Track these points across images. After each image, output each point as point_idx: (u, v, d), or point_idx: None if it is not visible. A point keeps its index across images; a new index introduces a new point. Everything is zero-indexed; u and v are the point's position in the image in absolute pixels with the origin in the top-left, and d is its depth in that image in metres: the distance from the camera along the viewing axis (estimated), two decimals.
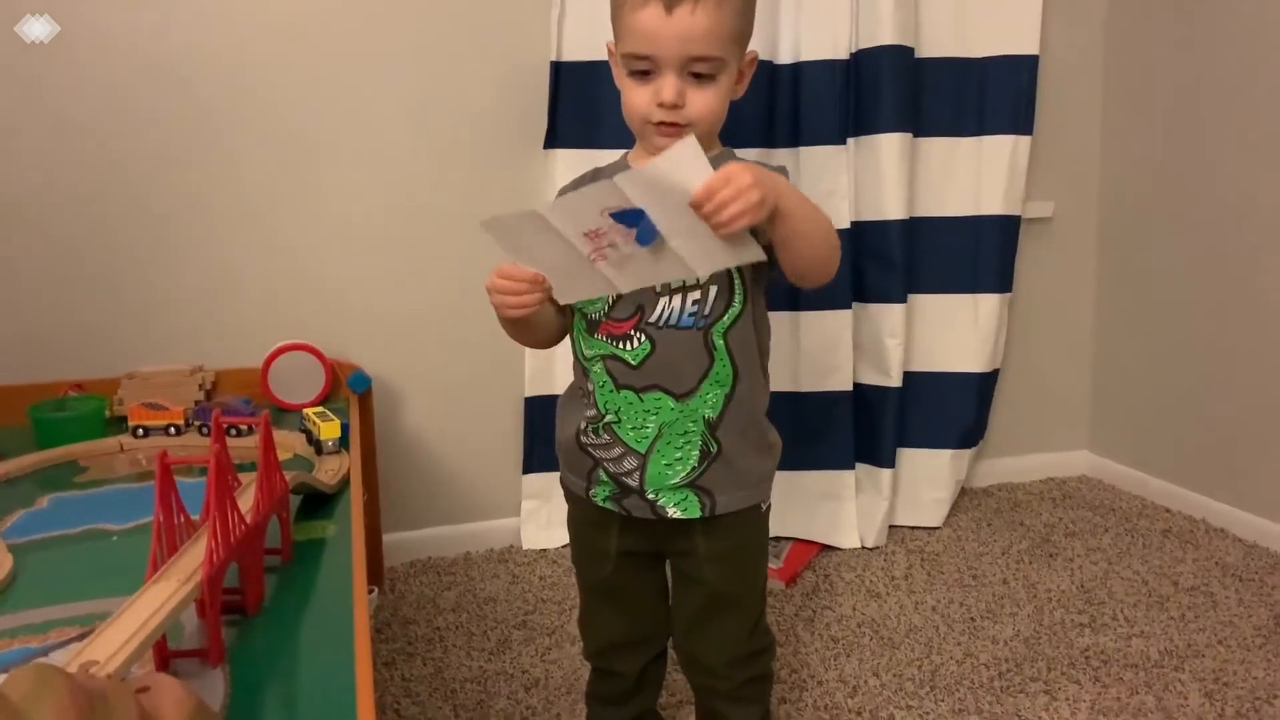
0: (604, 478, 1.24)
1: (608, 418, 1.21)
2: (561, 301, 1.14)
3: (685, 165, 0.95)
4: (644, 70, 1.13)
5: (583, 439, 1.24)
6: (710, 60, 1.12)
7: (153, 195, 2.00)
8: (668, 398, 1.18)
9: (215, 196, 2.04)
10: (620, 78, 1.18)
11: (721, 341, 1.18)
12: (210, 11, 1.98)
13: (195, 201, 2.03)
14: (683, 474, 1.21)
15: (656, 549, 1.30)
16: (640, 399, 1.19)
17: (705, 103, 1.13)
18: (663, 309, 1.17)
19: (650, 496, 1.21)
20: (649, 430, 1.19)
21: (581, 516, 1.33)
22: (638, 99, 1.15)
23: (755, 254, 1.01)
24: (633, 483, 1.21)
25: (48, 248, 1.96)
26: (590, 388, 1.22)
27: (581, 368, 1.25)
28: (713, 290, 1.17)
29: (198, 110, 2.00)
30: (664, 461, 1.20)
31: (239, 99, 2.02)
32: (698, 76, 1.13)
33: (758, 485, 1.27)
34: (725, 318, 1.17)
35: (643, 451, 1.20)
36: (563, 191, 1.31)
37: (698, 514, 1.22)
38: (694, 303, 1.17)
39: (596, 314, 1.20)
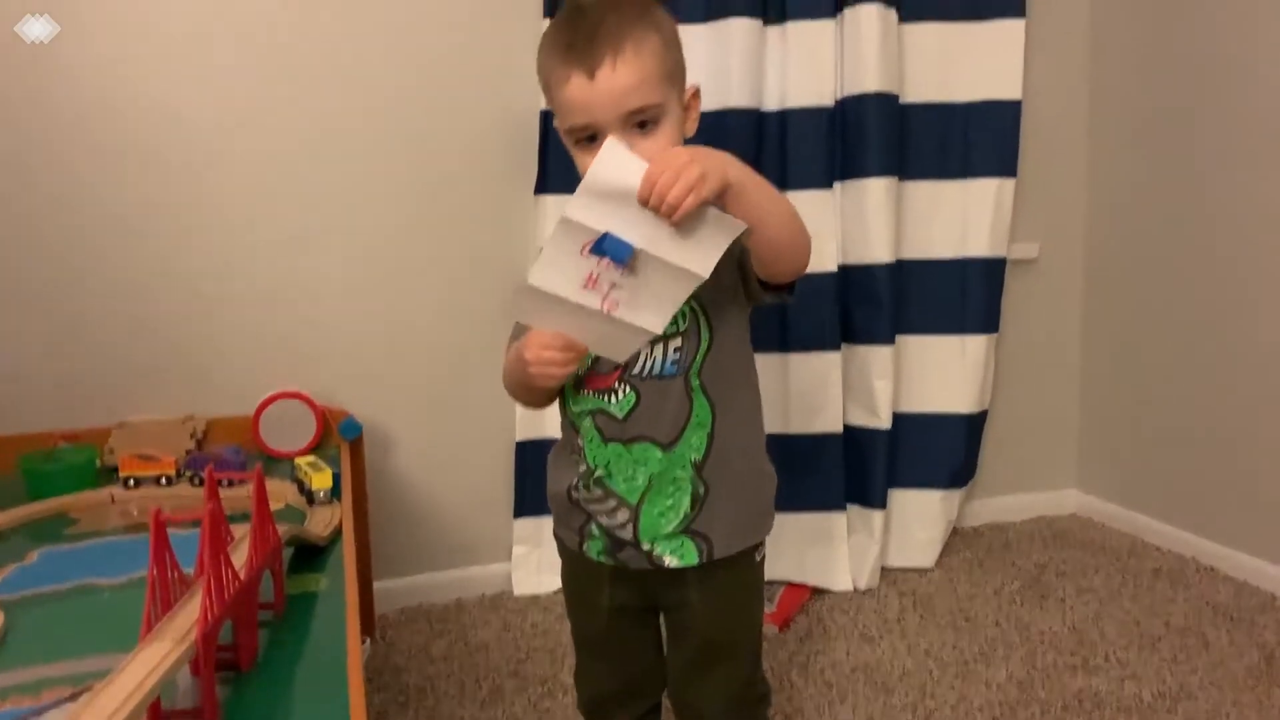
0: (596, 532, 1.23)
1: (598, 472, 1.21)
2: (619, 360, 1.14)
3: (616, 166, 0.96)
4: (590, 137, 1.13)
5: (574, 494, 1.24)
6: (647, 109, 1.11)
7: (143, 242, 2.01)
8: (655, 448, 1.18)
9: (204, 243, 2.05)
10: (571, 150, 1.18)
11: (697, 382, 1.18)
12: (196, 62, 2.01)
13: (184, 248, 2.04)
14: (676, 521, 1.20)
15: (650, 602, 1.29)
16: (628, 450, 1.19)
17: (657, 149, 1.10)
18: (644, 359, 1.17)
19: (646, 547, 1.21)
20: (639, 482, 1.19)
21: (574, 570, 1.33)
22: (587, 162, 1.11)
23: (737, 225, 1.01)
24: (626, 535, 1.21)
25: (37, 296, 1.96)
26: (580, 444, 1.23)
27: (570, 424, 1.25)
28: (690, 334, 1.17)
29: (186, 159, 2.02)
30: (656, 511, 1.20)
31: (228, 147, 2.04)
32: (641, 126, 1.12)
33: (753, 522, 1.26)
34: (697, 357, 1.18)
35: (634, 503, 1.20)
36: None
37: (695, 560, 1.21)
38: (675, 350, 1.17)
39: (581, 369, 1.20)
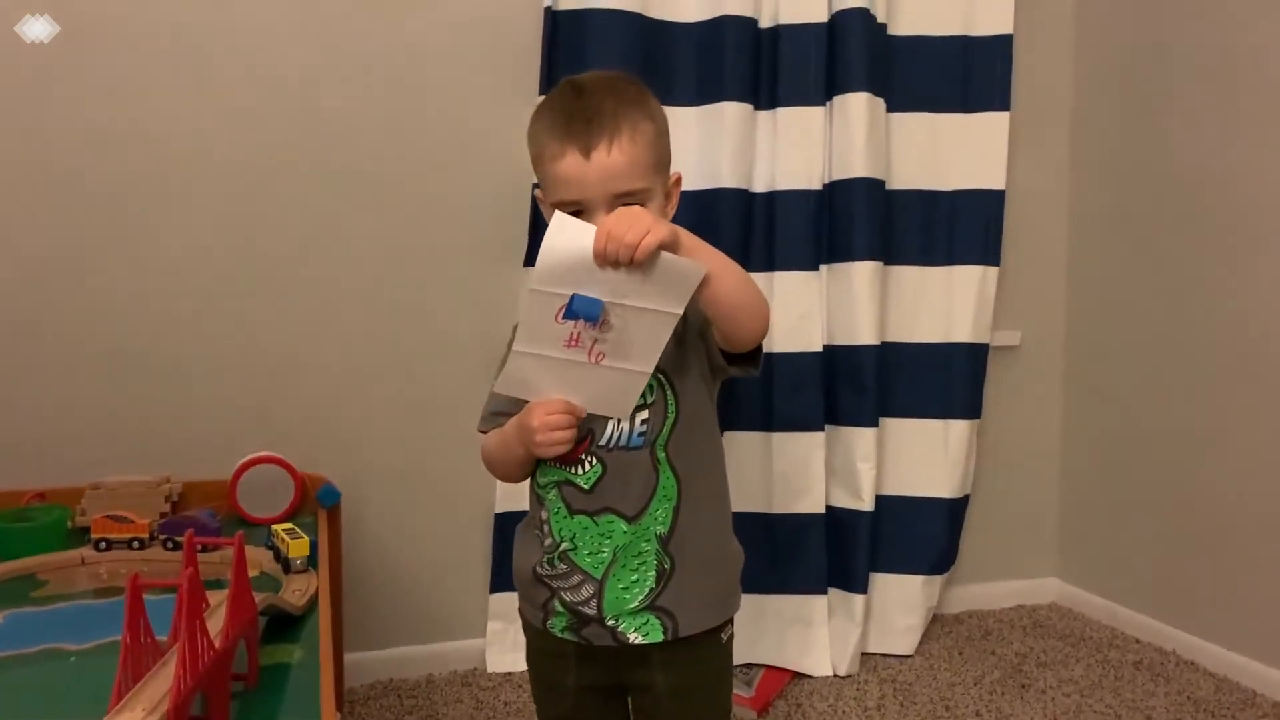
0: (560, 608, 1.22)
1: (564, 545, 1.20)
2: (623, 415, 1.16)
3: (566, 235, 1.01)
4: (575, 213, 1.15)
5: (539, 570, 1.23)
6: (635, 194, 1.15)
7: (123, 304, 2.01)
8: (620, 520, 1.18)
9: (186, 305, 2.04)
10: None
11: (664, 454, 1.19)
12: (181, 130, 2.02)
13: (164, 309, 2.03)
14: (641, 596, 1.19)
15: (616, 681, 1.27)
16: (595, 523, 1.19)
17: None
18: (612, 431, 1.18)
19: (610, 623, 1.19)
20: (604, 555, 1.19)
21: (538, 649, 1.30)
22: None
23: (698, 266, 1.04)
24: (590, 611, 1.19)
25: (13, 352, 1.94)
26: (545, 516, 1.22)
27: (536, 496, 1.25)
28: (663, 412, 1.19)
29: (169, 224, 2.03)
30: (620, 585, 1.19)
31: (210, 213, 2.05)
32: None
33: (720, 600, 1.25)
34: (664, 430, 1.19)
35: (599, 577, 1.19)
36: None
37: (660, 638, 1.20)
38: (643, 422, 1.18)
39: None
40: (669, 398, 1.19)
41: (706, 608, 1.23)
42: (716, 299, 1.09)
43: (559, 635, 1.23)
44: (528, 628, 1.31)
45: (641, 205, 1.15)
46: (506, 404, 1.24)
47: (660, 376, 1.18)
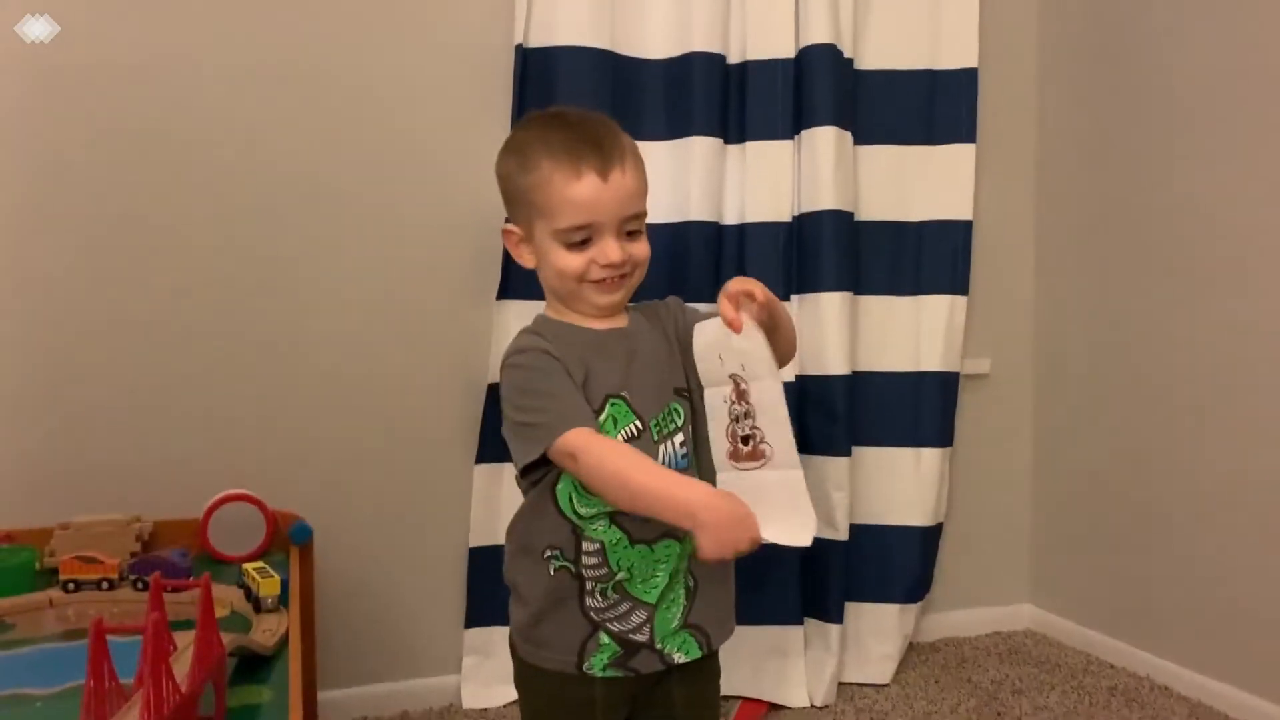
0: (606, 640, 1.18)
1: (619, 575, 1.17)
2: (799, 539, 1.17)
3: (707, 334, 1.16)
4: (582, 240, 1.16)
5: (587, 602, 1.18)
6: (640, 216, 1.19)
7: (90, 336, 2.00)
8: (675, 543, 1.19)
9: (157, 342, 2.03)
10: (555, 250, 1.18)
11: (696, 473, 1.21)
12: (158, 161, 2.03)
13: (136, 347, 2.02)
14: (678, 615, 1.20)
15: (633, 707, 1.26)
16: (651, 550, 1.18)
17: (643, 249, 1.21)
18: (663, 456, 1.19)
19: (659, 647, 1.19)
20: (659, 579, 1.18)
21: (559, 695, 1.22)
22: (574, 262, 1.17)
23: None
24: (642, 638, 1.18)
25: None
26: (594, 548, 1.17)
27: (571, 527, 1.18)
28: (690, 430, 1.22)
29: (141, 258, 2.02)
30: (665, 606, 1.20)
31: (185, 245, 2.05)
32: (630, 234, 1.18)
33: (730, 615, 1.28)
34: (693, 448, 1.22)
35: (653, 603, 1.19)
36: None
37: (698, 654, 1.22)
38: (681, 444, 1.21)
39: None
40: (693, 423, 1.22)
41: (724, 622, 1.26)
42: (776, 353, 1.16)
43: (598, 675, 1.18)
44: (543, 676, 1.22)
45: (640, 230, 1.20)
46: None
47: (684, 396, 1.22)
